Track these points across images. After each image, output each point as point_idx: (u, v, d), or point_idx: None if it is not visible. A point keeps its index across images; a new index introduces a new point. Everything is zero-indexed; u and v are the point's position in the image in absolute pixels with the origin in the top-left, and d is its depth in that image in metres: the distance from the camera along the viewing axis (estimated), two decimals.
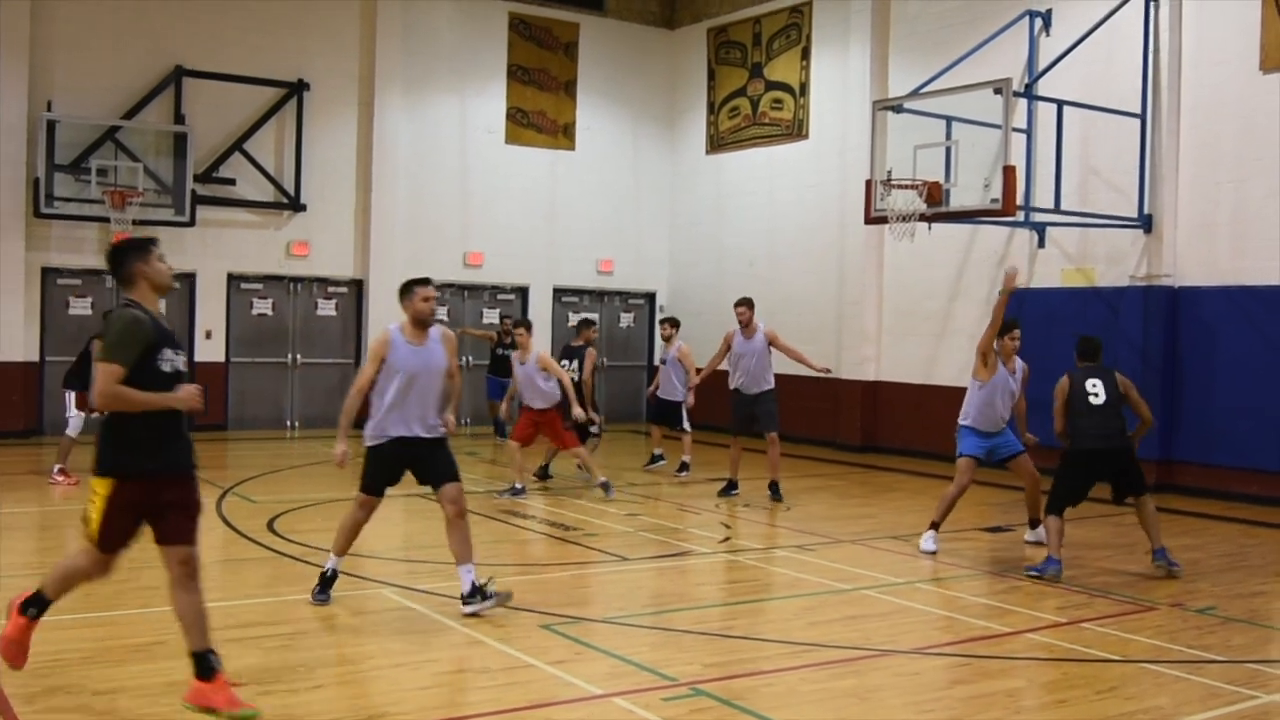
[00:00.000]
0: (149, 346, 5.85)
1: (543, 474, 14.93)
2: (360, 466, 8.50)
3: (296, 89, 20.43)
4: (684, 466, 15.76)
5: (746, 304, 14.20)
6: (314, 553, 10.07)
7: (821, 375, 15.10)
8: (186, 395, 6.16)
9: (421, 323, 8.27)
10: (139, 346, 5.77)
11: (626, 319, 24.35)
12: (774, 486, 13.86)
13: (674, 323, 16.32)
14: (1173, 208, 15.48)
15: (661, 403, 16.13)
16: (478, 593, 8.04)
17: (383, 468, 8.36)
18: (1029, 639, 7.87)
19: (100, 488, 5.85)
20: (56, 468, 13.75)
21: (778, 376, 14.19)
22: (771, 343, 14.00)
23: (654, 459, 16.53)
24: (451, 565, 9.88)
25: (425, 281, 8.37)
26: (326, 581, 8.42)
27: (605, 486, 13.75)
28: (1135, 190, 15.62)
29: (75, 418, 13.85)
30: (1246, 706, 6.53)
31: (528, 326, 14.06)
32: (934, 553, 10.89)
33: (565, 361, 14.89)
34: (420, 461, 8.33)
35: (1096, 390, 10.53)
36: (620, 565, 10.13)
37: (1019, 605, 8.86)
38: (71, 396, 13.91)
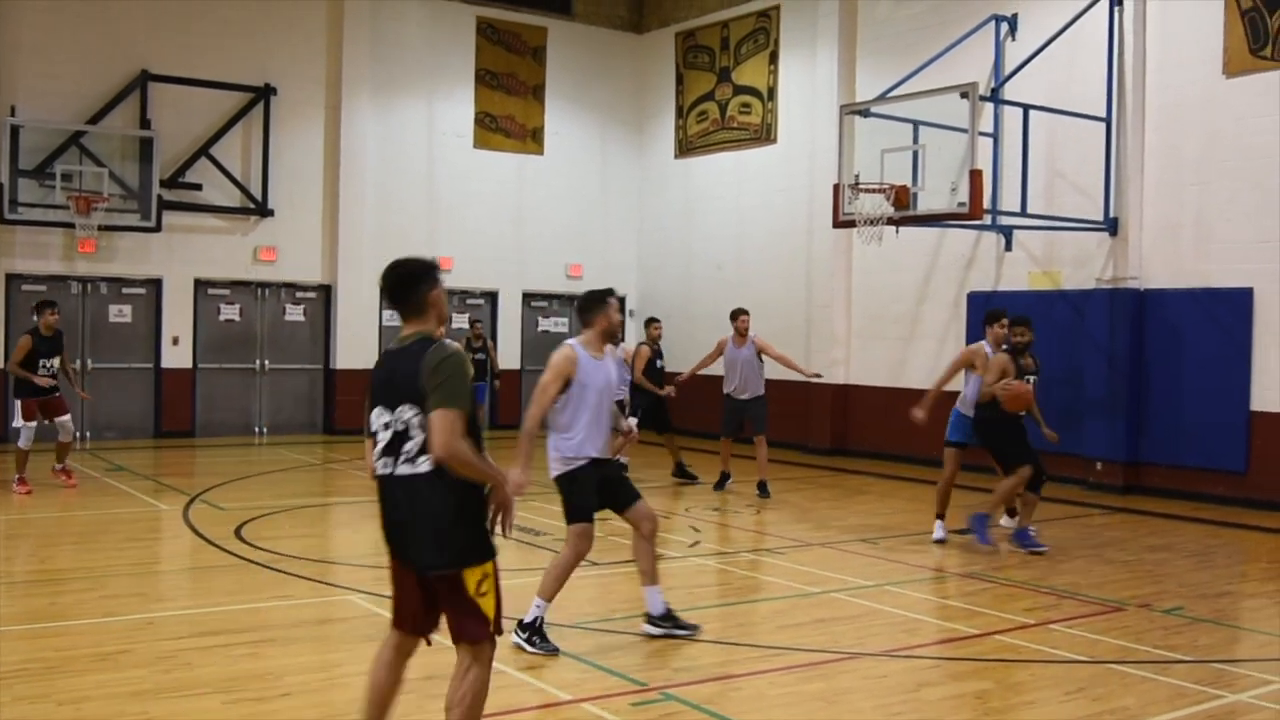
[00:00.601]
0: None
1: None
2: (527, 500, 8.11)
3: (263, 93, 20.32)
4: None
5: (747, 313, 14.83)
6: (281, 559, 10.02)
7: (812, 380, 15.43)
8: (516, 483, 5.95)
9: (611, 336, 7.84)
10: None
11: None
12: (762, 485, 14.51)
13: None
14: (1138, 211, 15.58)
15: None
16: (671, 619, 7.78)
17: (588, 491, 7.63)
18: (997, 640, 7.90)
19: (487, 570, 4.90)
20: (16, 477, 13.48)
21: None
22: (761, 351, 14.57)
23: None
24: None
25: (613, 292, 7.94)
26: (538, 629, 7.50)
27: None
28: (1101, 193, 15.73)
29: (26, 429, 13.52)
30: (1213, 706, 6.58)
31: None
32: (943, 541, 11.60)
33: None
34: (608, 482, 7.76)
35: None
36: (589, 570, 10.10)
37: (987, 607, 8.90)
38: (18, 405, 13.61)
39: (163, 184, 19.17)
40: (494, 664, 6.99)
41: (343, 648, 7.50)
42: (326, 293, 21.21)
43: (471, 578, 4.83)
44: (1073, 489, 15.55)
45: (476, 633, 4.89)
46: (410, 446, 4.80)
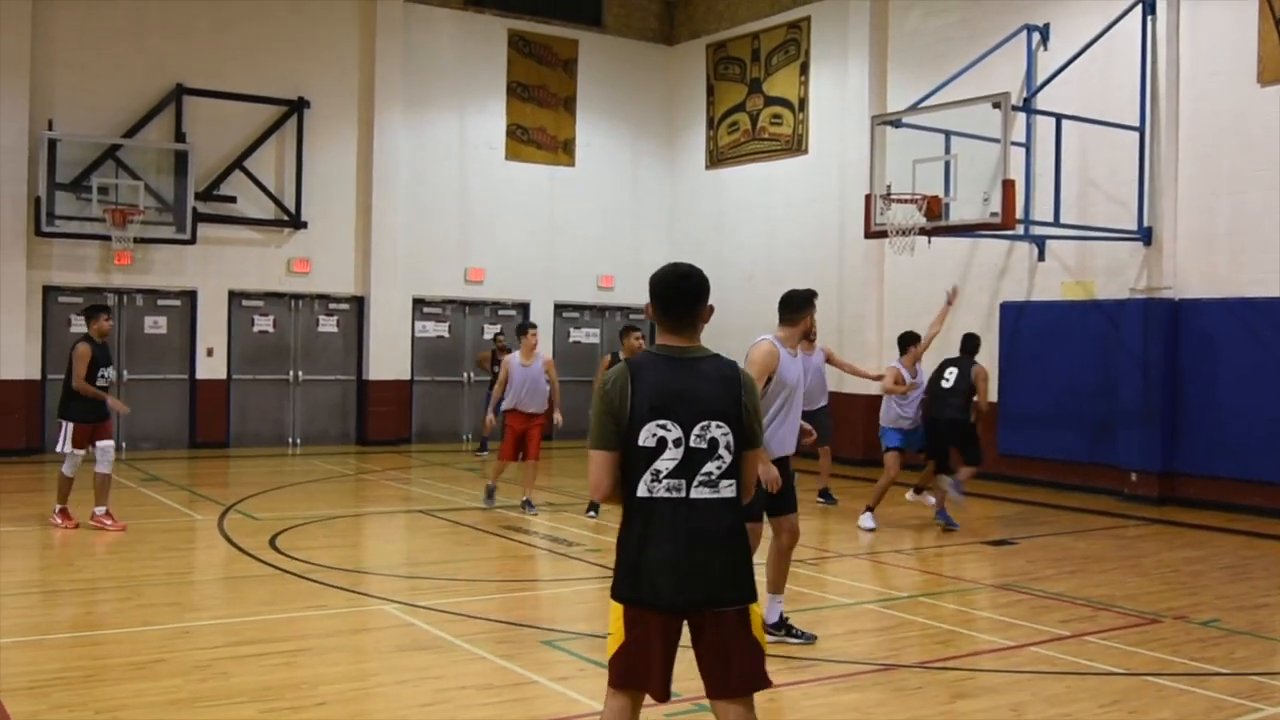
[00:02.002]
0: None
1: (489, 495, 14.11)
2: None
3: (297, 106, 20.47)
4: None
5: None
6: (315, 569, 10.06)
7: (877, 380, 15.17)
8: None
9: (808, 335, 7.97)
10: None
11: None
12: (825, 493, 15.02)
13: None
14: (1172, 220, 15.49)
15: None
16: (784, 626, 7.84)
17: (765, 491, 7.46)
18: (1033, 652, 7.85)
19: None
20: (59, 509, 12.04)
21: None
22: (828, 359, 14.30)
23: None
24: (452, 581, 9.89)
25: (816, 294, 7.96)
26: (784, 624, 7.77)
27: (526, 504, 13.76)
28: (1134, 203, 15.64)
29: (74, 456, 11.88)
30: (1251, 719, 6.52)
31: (532, 328, 14.20)
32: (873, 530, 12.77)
33: None
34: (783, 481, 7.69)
35: (949, 377, 13.28)
36: None
37: (1022, 619, 8.85)
38: (69, 429, 11.85)
39: (197, 197, 19.34)
40: (525, 673, 7.04)
41: (377, 658, 7.53)
42: (359, 304, 21.31)
43: (757, 614, 4.35)
44: (1108, 500, 15.46)
45: (762, 673, 4.35)
46: (713, 468, 4.29)
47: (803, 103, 21.33)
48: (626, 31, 23.96)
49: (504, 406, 13.68)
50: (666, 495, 4.26)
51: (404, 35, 21.34)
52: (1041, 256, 16.85)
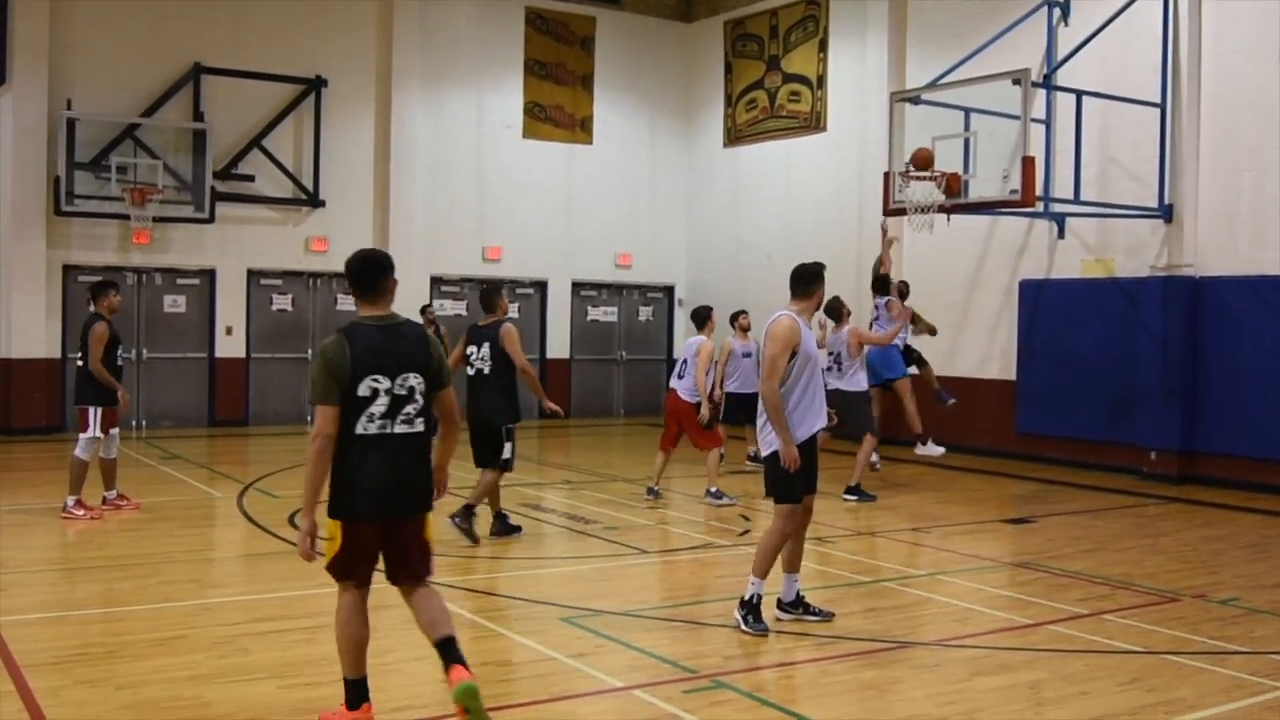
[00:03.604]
0: None
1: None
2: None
3: (315, 85, 20.47)
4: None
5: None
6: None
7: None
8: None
9: (819, 308, 7.95)
10: None
11: (645, 312, 24.33)
12: (855, 489, 13.72)
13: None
14: (1193, 197, 15.38)
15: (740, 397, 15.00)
16: (801, 604, 7.83)
17: (801, 471, 7.58)
18: (1050, 630, 7.84)
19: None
20: (74, 499, 11.43)
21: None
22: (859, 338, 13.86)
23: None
24: (470, 558, 9.93)
25: (823, 265, 7.94)
26: (754, 608, 7.56)
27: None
28: (1155, 180, 15.54)
29: (92, 441, 11.39)
30: (1271, 697, 6.50)
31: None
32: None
33: (472, 348, 10.72)
34: (811, 460, 7.73)
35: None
36: (640, 558, 10.13)
37: (1040, 597, 8.83)
38: (98, 413, 11.34)
39: (215, 176, 19.36)
40: (543, 650, 7.06)
41: (394, 634, 7.55)
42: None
43: (430, 520, 5.78)
44: (1127, 479, 15.41)
45: (431, 564, 5.88)
46: (410, 409, 5.58)
47: (821, 80, 21.23)
48: (644, 8, 23.87)
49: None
50: (376, 432, 5.52)
51: (421, 13, 21.30)
52: (1061, 234, 16.77)
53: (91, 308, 11.73)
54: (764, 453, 7.68)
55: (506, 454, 10.45)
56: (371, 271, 5.79)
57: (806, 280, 7.80)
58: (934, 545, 10.96)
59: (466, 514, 10.32)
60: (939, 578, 9.54)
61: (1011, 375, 17.66)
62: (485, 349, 10.55)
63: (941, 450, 15.07)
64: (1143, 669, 6.99)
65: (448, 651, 5.56)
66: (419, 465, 5.65)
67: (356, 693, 5.69)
